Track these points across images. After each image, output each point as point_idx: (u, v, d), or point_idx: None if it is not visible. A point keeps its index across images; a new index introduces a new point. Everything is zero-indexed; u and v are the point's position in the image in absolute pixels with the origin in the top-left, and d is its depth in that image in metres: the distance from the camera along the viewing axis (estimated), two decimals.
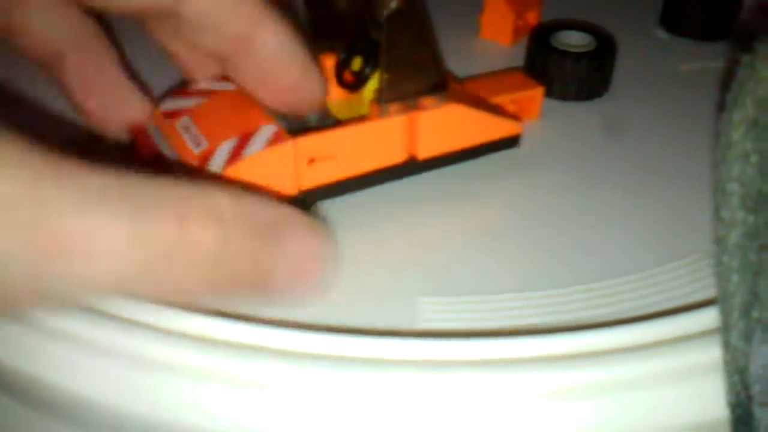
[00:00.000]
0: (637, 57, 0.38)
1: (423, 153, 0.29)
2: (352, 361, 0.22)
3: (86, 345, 0.22)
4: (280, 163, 0.26)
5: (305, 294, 0.21)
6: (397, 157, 0.29)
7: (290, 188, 0.27)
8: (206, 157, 0.26)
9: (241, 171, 0.26)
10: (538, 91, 0.34)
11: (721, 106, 0.24)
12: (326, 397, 0.21)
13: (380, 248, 0.27)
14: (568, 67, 0.35)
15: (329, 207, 0.29)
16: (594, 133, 0.34)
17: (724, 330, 0.22)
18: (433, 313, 0.24)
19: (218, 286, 0.19)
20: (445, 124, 0.29)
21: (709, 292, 0.25)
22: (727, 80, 0.24)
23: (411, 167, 0.30)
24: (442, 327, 0.24)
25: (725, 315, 0.22)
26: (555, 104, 0.35)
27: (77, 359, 0.22)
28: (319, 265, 0.21)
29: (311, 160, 0.27)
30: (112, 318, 0.22)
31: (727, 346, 0.22)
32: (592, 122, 0.34)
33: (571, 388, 0.21)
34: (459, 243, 0.28)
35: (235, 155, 0.25)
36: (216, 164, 0.26)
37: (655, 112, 0.35)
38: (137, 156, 0.28)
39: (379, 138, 0.28)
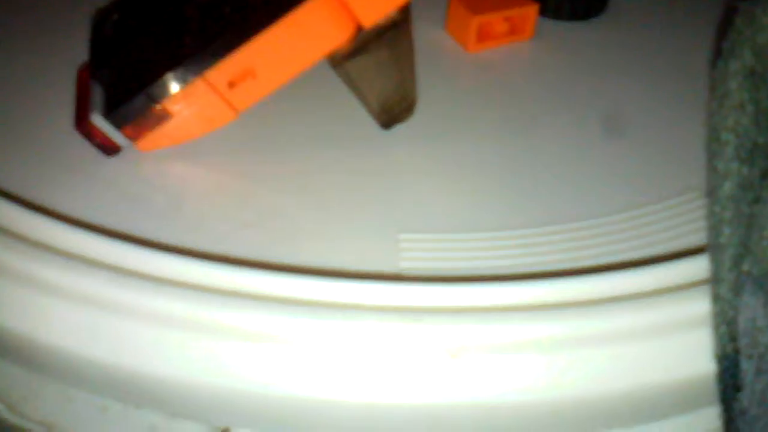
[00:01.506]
0: None
1: (367, 19, 0.26)
2: (330, 306, 0.21)
3: (78, 297, 0.21)
4: (202, 101, 0.26)
5: None
6: (338, 38, 0.26)
7: (229, 116, 0.27)
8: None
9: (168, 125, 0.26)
10: (532, 9, 0.32)
11: (716, 54, 0.23)
12: (304, 342, 0.21)
13: (360, 185, 0.27)
14: None
15: (306, 143, 0.28)
16: (588, 58, 0.33)
17: (714, 282, 0.22)
18: (412, 251, 0.24)
19: None
20: None
21: (698, 237, 0.25)
22: (723, 28, 0.23)
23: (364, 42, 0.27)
24: (421, 267, 0.23)
25: (715, 267, 0.22)
26: (548, 24, 0.34)
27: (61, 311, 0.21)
28: None
29: (231, 84, 0.26)
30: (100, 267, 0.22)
31: (716, 298, 0.22)
32: (587, 45, 0.33)
33: (547, 339, 0.21)
34: (437, 179, 0.27)
35: None
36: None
37: (652, 36, 0.34)
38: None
39: (298, 30, 0.25)
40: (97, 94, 0.26)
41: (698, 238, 0.24)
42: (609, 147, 0.28)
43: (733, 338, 0.21)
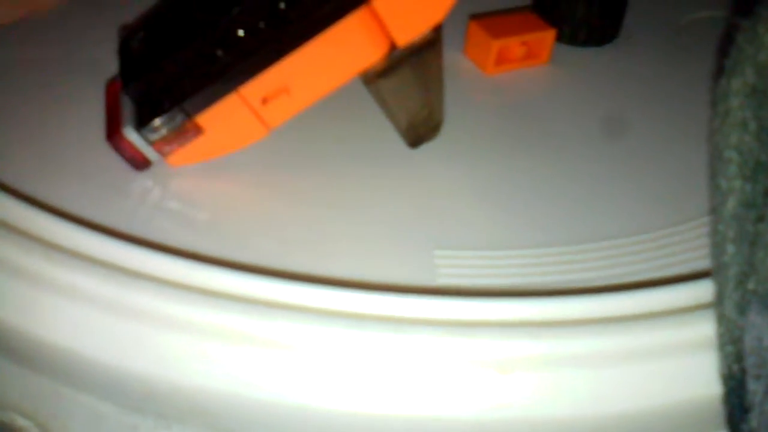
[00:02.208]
0: (645, 3, 0.38)
1: (402, 38, 0.26)
2: (365, 318, 0.21)
3: (86, 297, 0.22)
4: (235, 117, 0.26)
5: None
6: (372, 56, 0.26)
7: (261, 132, 0.27)
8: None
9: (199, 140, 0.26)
10: (549, 34, 0.33)
11: (718, 73, 0.23)
12: (336, 354, 0.21)
13: (395, 200, 0.27)
14: (580, 10, 0.34)
15: (340, 156, 0.28)
16: (603, 82, 0.33)
17: (719, 301, 0.22)
18: (447, 267, 0.24)
19: None
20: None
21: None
22: (724, 46, 0.23)
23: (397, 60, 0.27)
24: (455, 283, 0.24)
25: (720, 286, 0.22)
26: (564, 49, 0.34)
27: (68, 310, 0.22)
28: None
29: (264, 101, 0.26)
30: (115, 270, 0.22)
31: (721, 317, 0.22)
32: (602, 69, 0.34)
33: (595, 354, 0.21)
34: (471, 196, 0.27)
35: None
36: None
37: (664, 60, 0.34)
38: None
39: (334, 47, 0.25)
40: (128, 108, 0.27)
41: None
42: (629, 167, 0.29)
43: (740, 358, 0.21)
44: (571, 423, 0.21)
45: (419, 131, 0.29)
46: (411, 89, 0.28)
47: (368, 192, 0.27)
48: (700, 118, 0.29)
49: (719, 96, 0.23)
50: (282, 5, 0.25)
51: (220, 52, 0.25)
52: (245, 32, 0.25)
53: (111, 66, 0.30)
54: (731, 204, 0.22)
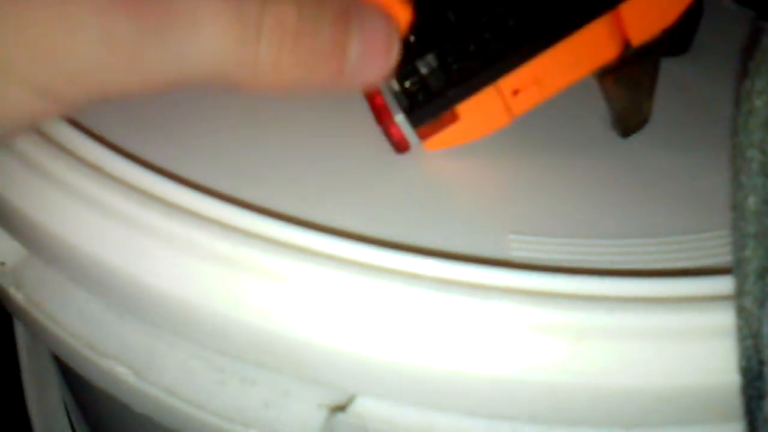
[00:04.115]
0: (710, 23, 0.38)
1: (636, 39, 0.29)
2: (450, 283, 0.22)
3: (128, 220, 0.23)
4: (488, 106, 0.29)
5: (375, 76, 0.22)
6: (611, 54, 0.29)
7: (504, 120, 0.29)
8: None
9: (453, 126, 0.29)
10: None
11: (743, 74, 0.24)
12: (421, 315, 0.22)
13: (479, 179, 0.29)
14: None
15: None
16: (676, 92, 0.34)
17: (739, 295, 0.22)
18: (520, 251, 0.25)
19: (300, 65, 0.20)
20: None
21: None
22: (749, 48, 0.24)
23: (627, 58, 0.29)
24: (528, 258, 0.25)
25: (740, 280, 0.22)
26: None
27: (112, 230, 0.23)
28: (388, 48, 0.22)
29: (515, 92, 0.28)
30: (153, 198, 0.23)
31: (740, 310, 0.22)
32: (676, 80, 0.35)
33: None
34: (552, 185, 0.29)
35: None
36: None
37: (727, 80, 0.35)
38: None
39: (582, 45, 0.28)
40: (394, 98, 0.29)
41: None
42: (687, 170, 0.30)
43: (758, 350, 0.22)
44: (636, 392, 0.22)
45: (628, 124, 0.31)
46: (631, 85, 0.30)
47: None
48: None
49: (743, 96, 0.23)
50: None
51: (489, 41, 0.28)
52: (515, 23, 0.28)
53: None
54: (752, 201, 0.22)
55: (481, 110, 0.29)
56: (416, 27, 0.28)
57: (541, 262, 0.25)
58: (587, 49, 0.28)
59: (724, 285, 0.23)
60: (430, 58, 0.28)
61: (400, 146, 0.29)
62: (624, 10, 0.28)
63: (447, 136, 0.29)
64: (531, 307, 0.21)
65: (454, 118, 0.29)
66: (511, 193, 0.29)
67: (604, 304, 0.22)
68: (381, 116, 0.30)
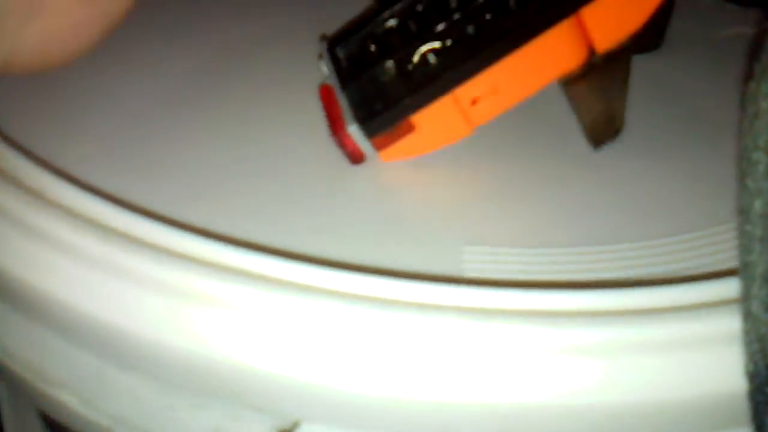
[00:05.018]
0: (687, 16, 0.38)
1: (601, 45, 0.28)
2: (388, 303, 0.22)
3: (85, 257, 0.22)
4: (446, 116, 0.28)
5: None
6: (574, 61, 0.28)
7: (464, 131, 0.28)
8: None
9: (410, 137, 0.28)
10: None
11: (748, 76, 0.24)
12: (358, 338, 0.21)
13: (430, 190, 0.28)
14: None
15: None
16: (644, 89, 0.34)
17: (744, 299, 0.22)
18: (476, 263, 0.25)
19: None
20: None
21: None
22: (755, 49, 0.24)
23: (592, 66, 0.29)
24: (484, 276, 0.24)
25: (746, 284, 0.22)
26: None
27: (73, 271, 0.23)
28: None
29: (474, 101, 0.28)
30: (111, 232, 0.23)
31: (747, 315, 0.22)
32: (643, 77, 0.34)
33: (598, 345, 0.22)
34: (508, 191, 0.28)
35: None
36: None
37: (704, 74, 0.35)
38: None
39: (542, 52, 0.27)
40: (348, 108, 0.29)
41: None
42: (666, 169, 0.30)
43: (766, 355, 0.22)
44: (631, 408, 0.22)
45: (600, 134, 0.30)
46: (600, 94, 0.30)
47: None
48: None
49: (749, 98, 0.23)
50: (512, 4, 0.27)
51: (447, 48, 0.27)
52: (458, 35, 0.27)
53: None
54: (758, 204, 0.22)
55: (439, 120, 0.28)
56: (374, 34, 0.28)
57: (496, 276, 0.25)
58: (548, 56, 0.27)
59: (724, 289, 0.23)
60: (389, 65, 0.28)
61: (354, 157, 0.29)
62: (586, 14, 0.27)
63: (404, 146, 0.29)
64: (484, 327, 0.21)
65: (410, 128, 0.28)
66: (464, 204, 0.28)
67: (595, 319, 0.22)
68: (335, 126, 0.29)
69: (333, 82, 0.29)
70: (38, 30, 0.26)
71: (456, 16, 0.27)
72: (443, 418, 0.22)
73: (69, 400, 0.24)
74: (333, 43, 0.29)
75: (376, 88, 0.28)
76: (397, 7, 0.28)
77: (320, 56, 0.30)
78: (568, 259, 0.25)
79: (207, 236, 0.23)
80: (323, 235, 0.26)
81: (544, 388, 0.21)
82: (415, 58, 0.27)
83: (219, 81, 0.33)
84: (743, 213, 0.23)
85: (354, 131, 0.28)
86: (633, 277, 0.25)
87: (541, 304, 0.22)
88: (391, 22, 0.28)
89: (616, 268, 0.25)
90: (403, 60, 0.28)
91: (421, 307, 0.21)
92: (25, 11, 0.24)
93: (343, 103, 0.29)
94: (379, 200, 0.28)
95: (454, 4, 0.27)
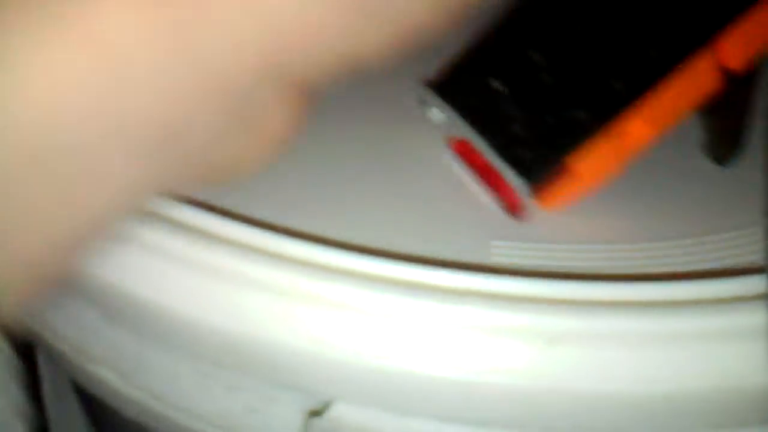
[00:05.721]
0: None
1: (736, 65, 0.27)
2: (441, 291, 0.21)
3: (183, 261, 0.23)
4: (601, 154, 0.27)
5: None
6: (712, 85, 0.27)
7: (618, 168, 0.27)
8: None
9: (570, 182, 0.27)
10: None
11: None
12: (392, 321, 0.21)
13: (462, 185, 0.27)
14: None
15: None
16: None
17: None
18: (502, 257, 0.24)
19: None
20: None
21: None
22: None
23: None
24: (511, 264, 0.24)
25: None
26: None
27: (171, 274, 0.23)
28: None
29: (626, 135, 0.27)
30: (211, 235, 0.23)
31: None
32: None
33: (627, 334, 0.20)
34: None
35: None
36: None
37: None
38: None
39: (685, 80, 0.26)
40: (499, 160, 0.27)
41: None
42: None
43: None
44: (607, 397, 0.20)
45: (722, 152, 0.28)
46: (731, 113, 0.28)
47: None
48: None
49: None
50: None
51: (580, 101, 0.27)
52: (602, 78, 0.27)
53: None
54: None
55: (596, 163, 0.27)
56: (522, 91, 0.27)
57: (523, 267, 0.23)
58: (691, 83, 0.26)
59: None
60: (520, 122, 0.27)
61: (517, 211, 0.27)
62: (722, 39, 0.26)
63: (563, 192, 0.27)
64: (503, 312, 0.20)
65: (568, 172, 0.27)
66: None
67: (584, 309, 0.20)
68: (489, 179, 0.27)
69: (455, 131, 0.28)
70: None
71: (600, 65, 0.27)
72: (476, 400, 0.20)
73: (108, 376, 0.25)
74: (443, 89, 0.28)
75: (531, 140, 0.27)
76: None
77: (423, 101, 0.29)
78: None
79: (243, 220, 0.23)
80: (354, 226, 0.25)
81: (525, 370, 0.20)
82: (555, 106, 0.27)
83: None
84: None
85: (517, 184, 0.26)
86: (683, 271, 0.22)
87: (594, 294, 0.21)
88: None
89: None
90: (538, 109, 0.27)
91: (452, 291, 0.21)
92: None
93: (486, 153, 0.27)
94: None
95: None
